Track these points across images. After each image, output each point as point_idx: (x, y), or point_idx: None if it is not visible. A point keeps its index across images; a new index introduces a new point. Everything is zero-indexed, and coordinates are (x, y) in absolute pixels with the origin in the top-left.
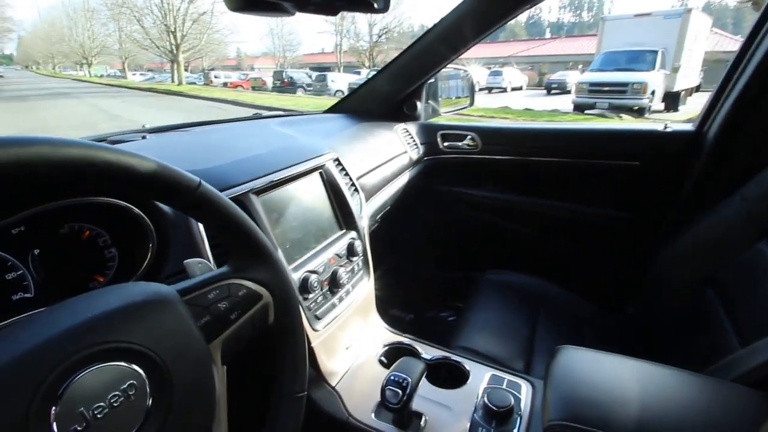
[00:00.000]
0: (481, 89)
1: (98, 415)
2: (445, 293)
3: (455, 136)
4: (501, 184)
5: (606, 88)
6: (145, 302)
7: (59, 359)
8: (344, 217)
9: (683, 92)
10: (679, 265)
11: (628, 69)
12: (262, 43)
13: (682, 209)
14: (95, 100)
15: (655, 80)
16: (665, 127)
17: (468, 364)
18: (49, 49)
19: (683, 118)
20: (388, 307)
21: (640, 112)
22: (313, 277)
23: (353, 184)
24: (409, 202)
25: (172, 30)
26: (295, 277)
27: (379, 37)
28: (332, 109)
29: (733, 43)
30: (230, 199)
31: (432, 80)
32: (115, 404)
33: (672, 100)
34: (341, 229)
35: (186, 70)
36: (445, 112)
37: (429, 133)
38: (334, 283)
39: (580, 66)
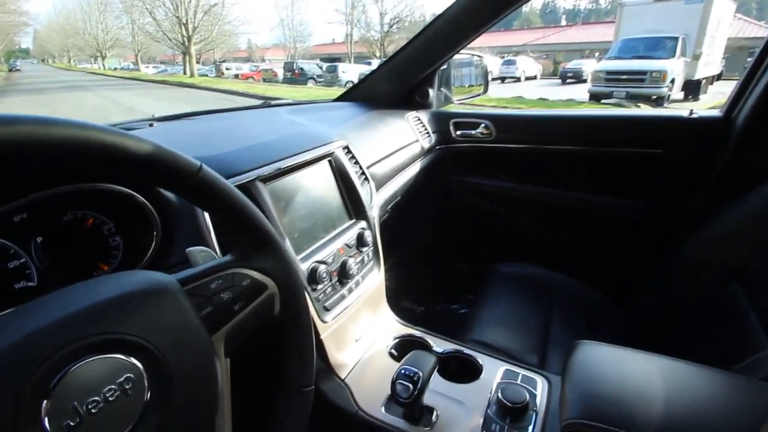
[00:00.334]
0: (494, 79)
1: (93, 410)
2: (457, 285)
3: (468, 125)
4: (515, 173)
5: (624, 77)
6: (144, 291)
7: (51, 351)
8: (354, 206)
9: (704, 81)
10: (702, 257)
11: (647, 57)
12: (272, 35)
13: (706, 199)
14: (109, 92)
15: (675, 68)
16: (690, 113)
17: (481, 358)
18: (64, 43)
19: (704, 108)
20: (399, 299)
21: (658, 101)
22: (322, 268)
23: (363, 173)
24: (420, 192)
25: (184, 22)
26: (304, 267)
27: (390, 26)
28: (342, 98)
29: (757, 29)
30: (236, 186)
31: (444, 66)
32: (110, 399)
33: (692, 89)
34: (351, 218)
35: (198, 62)
36: (458, 100)
37: (441, 121)
38: (343, 274)
39: (597, 54)
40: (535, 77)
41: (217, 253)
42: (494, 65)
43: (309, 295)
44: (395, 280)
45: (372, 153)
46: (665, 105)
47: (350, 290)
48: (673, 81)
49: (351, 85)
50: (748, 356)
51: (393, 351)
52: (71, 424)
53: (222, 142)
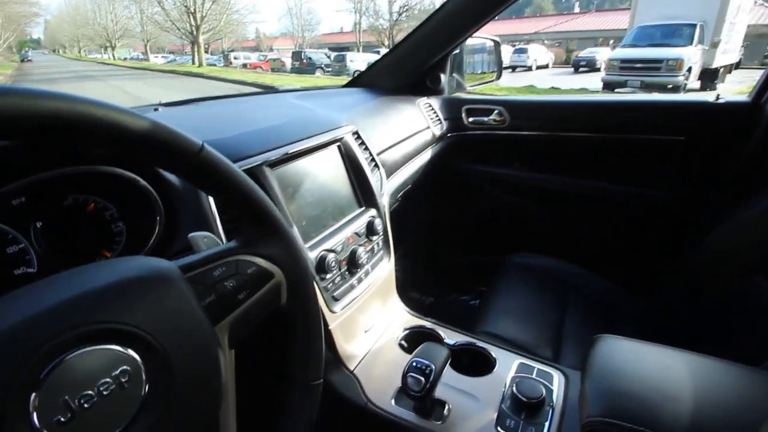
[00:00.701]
0: (504, 68)
1: (85, 405)
2: (467, 276)
3: (481, 111)
4: (529, 162)
5: (639, 65)
6: (142, 278)
7: (41, 340)
8: (364, 193)
9: (722, 69)
10: (725, 249)
11: (664, 44)
12: (280, 24)
13: (732, 188)
14: (119, 82)
15: (692, 56)
16: (717, 99)
17: (494, 351)
18: (74, 33)
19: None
20: (408, 289)
21: (674, 90)
22: (331, 257)
23: (373, 160)
24: (431, 180)
25: (192, 11)
26: (312, 256)
27: (399, 14)
28: (351, 83)
29: None
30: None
31: (457, 51)
32: (105, 392)
33: (709, 78)
34: (360, 206)
35: (206, 51)
36: (471, 86)
37: (453, 107)
38: (352, 263)
39: (611, 42)
40: (546, 66)
41: (222, 240)
42: (505, 54)
43: (317, 285)
44: (404, 270)
45: (382, 139)
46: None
47: (359, 280)
48: (689, 69)
49: None
50: None
51: (403, 342)
52: (62, 419)
53: (227, 127)
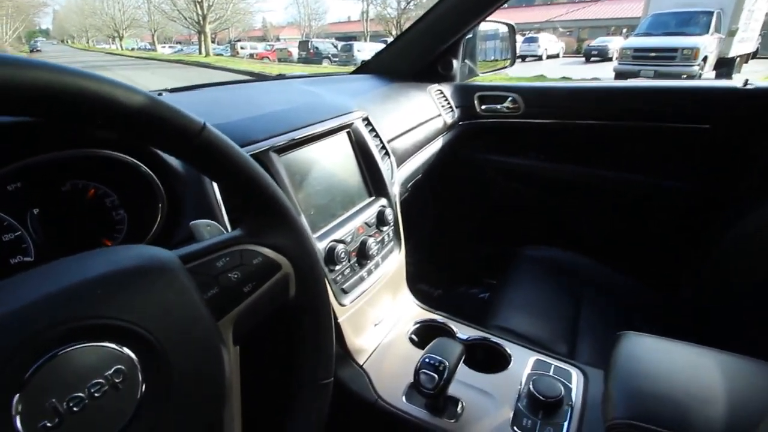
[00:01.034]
0: None
1: (75, 408)
2: (477, 269)
3: (494, 98)
4: (544, 151)
5: (652, 54)
6: (138, 269)
7: (25, 336)
8: (374, 182)
9: (738, 59)
10: (753, 243)
11: (679, 33)
12: (287, 13)
13: (760, 180)
14: (127, 72)
15: (708, 45)
16: (745, 84)
17: (509, 347)
18: (82, 23)
19: None
20: (416, 281)
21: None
22: (340, 247)
23: (384, 147)
24: (442, 170)
25: (199, 0)
26: (320, 246)
27: (408, 3)
28: (360, 70)
29: None
30: None
31: (470, 36)
32: (97, 394)
33: (725, 68)
34: (370, 195)
35: (213, 41)
36: (484, 73)
37: (465, 94)
38: (362, 255)
39: (624, 31)
40: (557, 55)
41: (227, 229)
42: None
43: (326, 277)
44: (412, 262)
45: (392, 127)
46: None
47: (369, 272)
48: (705, 59)
49: None
50: None
51: (413, 336)
52: (48, 425)
53: (233, 111)
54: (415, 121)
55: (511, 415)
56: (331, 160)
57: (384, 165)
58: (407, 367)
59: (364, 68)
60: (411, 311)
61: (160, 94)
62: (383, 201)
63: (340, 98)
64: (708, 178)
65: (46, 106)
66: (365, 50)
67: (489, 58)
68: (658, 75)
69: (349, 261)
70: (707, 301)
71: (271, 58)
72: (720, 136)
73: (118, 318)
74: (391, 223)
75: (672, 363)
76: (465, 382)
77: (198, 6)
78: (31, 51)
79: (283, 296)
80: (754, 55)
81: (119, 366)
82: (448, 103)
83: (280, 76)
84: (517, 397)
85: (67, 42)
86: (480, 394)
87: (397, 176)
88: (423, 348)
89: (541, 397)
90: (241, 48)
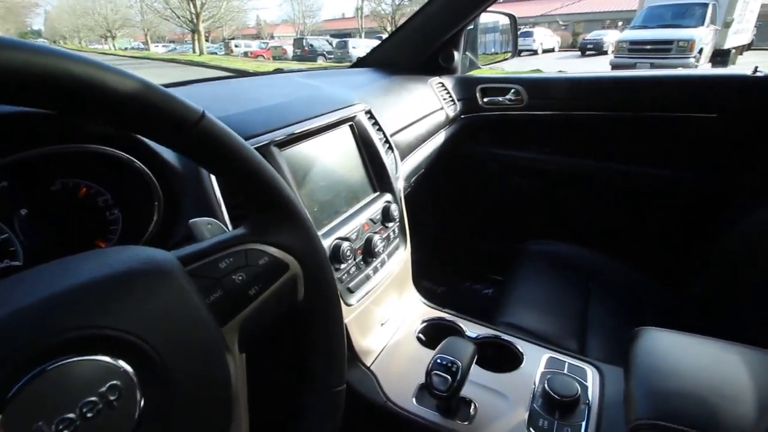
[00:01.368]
0: None
1: (65, 431)
2: (481, 264)
3: (497, 90)
4: (548, 144)
5: (648, 47)
6: (133, 272)
7: (6, 352)
8: (378, 177)
9: (733, 50)
10: (764, 236)
11: (674, 25)
12: (281, 10)
13: None
14: None
15: (703, 37)
16: (754, 72)
17: (520, 345)
18: (74, 23)
19: None
20: (419, 278)
21: None
22: (345, 245)
23: (387, 141)
24: (444, 164)
25: None
26: (325, 244)
27: None
28: (359, 63)
29: None
30: None
31: (471, 27)
32: (89, 414)
33: (720, 60)
34: (375, 191)
35: (206, 40)
36: (485, 64)
37: (467, 87)
38: (368, 252)
39: (619, 24)
40: (552, 50)
41: (228, 228)
42: None
43: None
44: (415, 259)
45: (394, 120)
46: None
47: (375, 270)
48: (701, 51)
49: None
50: None
51: (421, 335)
52: None
53: (230, 105)
54: (418, 114)
55: (527, 416)
56: (333, 155)
57: (388, 159)
58: (416, 368)
59: (363, 62)
60: (417, 309)
61: None
62: (388, 196)
63: (341, 91)
64: (715, 170)
65: (26, 90)
66: (360, 47)
67: (489, 50)
68: (655, 68)
69: (354, 259)
70: (718, 296)
71: (265, 56)
72: (727, 125)
73: (111, 327)
74: (397, 219)
75: (694, 359)
76: (477, 382)
77: (191, 4)
78: None
79: (291, 298)
80: (748, 47)
81: (114, 381)
82: (450, 96)
83: (278, 71)
84: (531, 397)
85: (59, 43)
86: (493, 394)
87: (401, 170)
88: (431, 347)
89: (556, 397)
90: (236, 46)
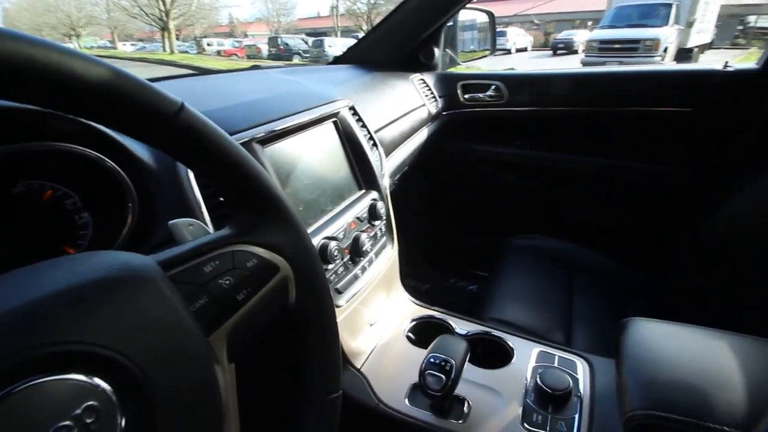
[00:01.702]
0: None
1: None
2: (465, 261)
3: (478, 87)
4: (530, 139)
5: (617, 46)
6: (108, 280)
7: None
8: (363, 174)
9: (696, 49)
10: (739, 223)
11: (641, 25)
12: (254, 8)
13: (743, 160)
14: None
15: (668, 36)
16: (725, 66)
17: (510, 340)
18: (35, 21)
19: None
20: (404, 276)
21: None
22: (333, 245)
23: (371, 138)
24: (428, 161)
25: None
26: None
27: None
28: (339, 60)
29: None
30: None
31: (450, 23)
32: None
33: (684, 58)
34: (361, 188)
35: (177, 38)
36: (465, 61)
37: (448, 83)
38: (356, 252)
39: (589, 23)
40: (525, 49)
41: (210, 230)
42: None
43: None
44: (400, 257)
45: (378, 117)
46: None
47: (363, 269)
48: (666, 50)
49: None
50: None
51: (410, 335)
52: None
53: (208, 101)
54: (400, 110)
55: (520, 411)
56: (317, 152)
57: (373, 156)
58: (408, 368)
59: (343, 58)
60: (406, 308)
61: None
62: (374, 194)
63: (323, 87)
64: (692, 161)
65: None
66: (337, 46)
67: (468, 48)
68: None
69: (342, 259)
70: (696, 283)
71: (239, 54)
72: (701, 118)
73: (85, 342)
74: (384, 217)
75: (684, 348)
76: (469, 380)
77: (160, 2)
78: None
79: (282, 302)
80: (709, 46)
81: (91, 402)
82: (432, 93)
83: (255, 67)
84: (524, 393)
85: None
86: (486, 391)
87: (386, 167)
88: (421, 346)
89: (549, 391)
90: (208, 45)
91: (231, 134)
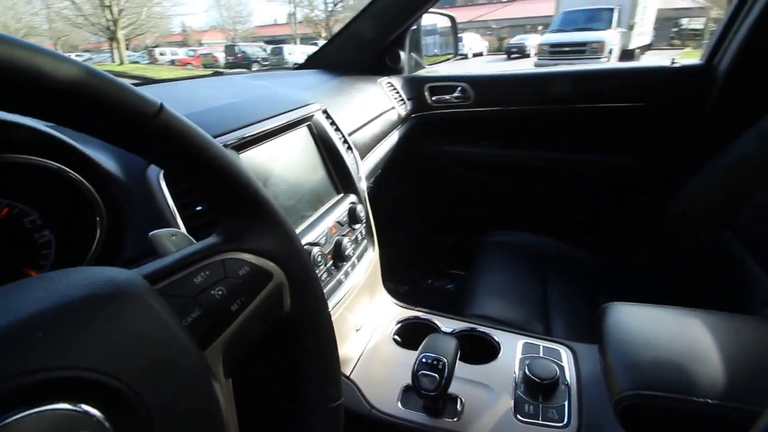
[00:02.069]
0: None
1: None
2: (441, 261)
3: (444, 89)
4: (496, 138)
5: (566, 49)
6: (90, 298)
7: None
8: (341, 178)
9: (637, 50)
10: (692, 208)
11: (587, 28)
12: (208, 16)
13: (693, 150)
14: None
15: (612, 39)
16: (672, 63)
17: (496, 334)
18: None
19: None
20: (383, 279)
21: None
22: (315, 250)
23: (346, 141)
24: (399, 163)
25: (108, 4)
26: None
27: (335, 5)
28: (305, 65)
29: (683, 0)
30: None
31: (414, 27)
32: None
33: (627, 59)
34: (338, 192)
35: (127, 48)
36: (430, 65)
37: (415, 86)
38: (338, 257)
39: (539, 28)
40: (481, 54)
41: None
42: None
43: None
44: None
45: (350, 120)
46: None
47: (347, 274)
48: (611, 51)
49: None
50: (755, 299)
51: (397, 337)
52: None
53: (175, 106)
54: (371, 113)
55: (512, 403)
56: (293, 157)
57: (349, 159)
58: (397, 371)
59: (309, 63)
60: (390, 311)
61: None
62: (352, 197)
63: (294, 91)
64: (649, 152)
65: None
66: (296, 53)
67: (431, 52)
68: None
69: (325, 264)
70: (659, 267)
71: (194, 63)
72: (654, 112)
73: (70, 366)
74: (363, 220)
75: (662, 328)
76: (460, 377)
77: (107, 10)
78: None
79: (277, 310)
80: (649, 47)
81: None
82: (400, 96)
83: (217, 74)
84: (514, 385)
85: None
86: (477, 387)
87: (363, 170)
88: (409, 348)
89: (538, 380)
90: (161, 54)
91: None
